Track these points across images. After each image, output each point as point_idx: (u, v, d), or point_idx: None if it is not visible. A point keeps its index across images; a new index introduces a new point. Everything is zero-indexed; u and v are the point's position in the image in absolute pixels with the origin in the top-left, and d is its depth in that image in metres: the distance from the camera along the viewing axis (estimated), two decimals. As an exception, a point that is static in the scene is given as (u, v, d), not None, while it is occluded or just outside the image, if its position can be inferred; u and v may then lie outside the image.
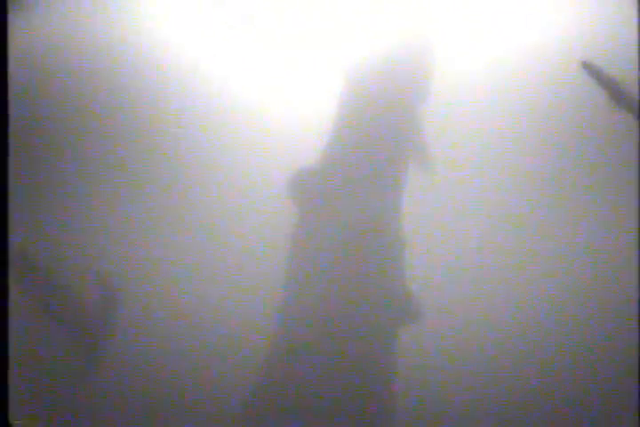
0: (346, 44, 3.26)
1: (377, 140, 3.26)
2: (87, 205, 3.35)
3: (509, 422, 3.22)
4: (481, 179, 3.27)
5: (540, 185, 3.27)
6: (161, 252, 3.32)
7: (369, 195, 3.24)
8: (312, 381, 3.22)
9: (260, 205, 3.28)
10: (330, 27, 3.26)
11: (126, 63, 3.33)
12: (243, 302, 3.28)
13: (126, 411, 3.30)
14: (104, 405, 3.31)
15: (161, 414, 3.27)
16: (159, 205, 3.33)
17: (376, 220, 3.23)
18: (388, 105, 3.26)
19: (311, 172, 3.25)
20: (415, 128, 3.24)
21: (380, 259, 3.23)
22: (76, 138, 3.35)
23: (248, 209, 3.29)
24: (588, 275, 3.25)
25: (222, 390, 3.27)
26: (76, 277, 3.32)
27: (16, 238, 3.31)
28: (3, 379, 3.23)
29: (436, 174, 3.24)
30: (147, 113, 3.34)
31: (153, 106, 3.34)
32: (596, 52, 3.26)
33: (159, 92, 3.34)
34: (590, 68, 3.15)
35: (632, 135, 3.27)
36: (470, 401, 3.22)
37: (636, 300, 3.24)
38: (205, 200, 3.31)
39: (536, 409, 3.20)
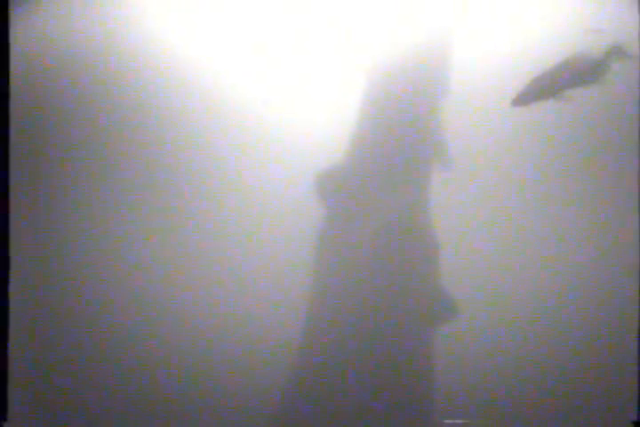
0: (365, 44, 3.27)
1: (401, 139, 3.26)
2: (98, 207, 3.35)
3: (548, 419, 3.24)
4: (496, 176, 3.27)
5: (557, 182, 3.28)
6: (178, 255, 3.32)
7: (399, 193, 3.24)
8: (344, 385, 3.22)
9: (287, 205, 3.27)
10: (349, 27, 3.27)
11: (131, 63, 3.33)
12: (269, 306, 3.27)
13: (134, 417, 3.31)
14: (105, 407, 3.32)
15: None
16: (176, 207, 3.33)
17: (408, 218, 3.23)
18: (409, 103, 3.26)
19: (338, 171, 3.24)
20: (436, 126, 3.24)
21: (413, 258, 3.23)
22: (77, 137, 3.35)
23: (273, 210, 3.28)
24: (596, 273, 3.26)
25: (247, 395, 3.27)
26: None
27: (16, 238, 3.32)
28: (2, 379, 3.25)
29: (455, 172, 3.24)
30: (158, 112, 3.34)
31: (162, 106, 3.33)
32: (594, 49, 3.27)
33: (168, 92, 3.33)
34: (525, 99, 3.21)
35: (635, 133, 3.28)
36: (508, 398, 3.23)
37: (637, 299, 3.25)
38: (227, 202, 3.30)
39: (575, 408, 3.23)
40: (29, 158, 3.33)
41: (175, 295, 3.30)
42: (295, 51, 3.29)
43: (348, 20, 3.28)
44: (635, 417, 3.21)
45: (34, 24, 3.32)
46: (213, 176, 3.31)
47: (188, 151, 3.32)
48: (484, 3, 3.28)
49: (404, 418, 3.24)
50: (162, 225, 3.32)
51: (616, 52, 3.26)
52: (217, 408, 3.29)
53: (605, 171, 3.28)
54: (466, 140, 3.25)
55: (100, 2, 3.32)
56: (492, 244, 3.26)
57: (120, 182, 3.33)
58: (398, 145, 3.27)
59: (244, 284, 3.29)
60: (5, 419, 3.23)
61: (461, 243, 3.25)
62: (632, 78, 3.27)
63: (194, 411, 3.30)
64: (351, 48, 3.28)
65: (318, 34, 3.28)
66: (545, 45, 3.26)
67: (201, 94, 3.31)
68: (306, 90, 3.29)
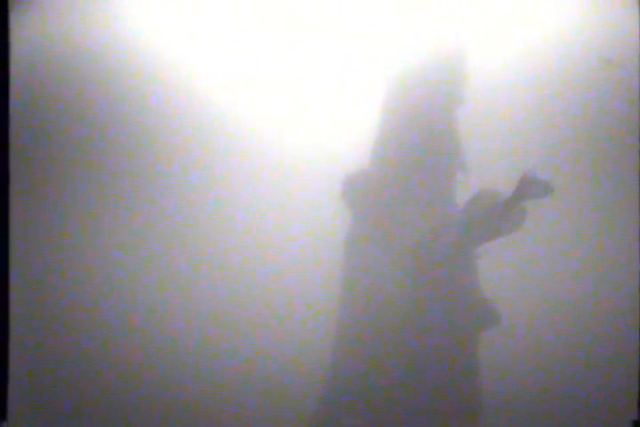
0: (385, 53, 3.30)
1: (422, 145, 3.28)
2: (102, 209, 3.36)
3: (548, 419, 3.24)
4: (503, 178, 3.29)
5: (566, 184, 3.29)
6: (199, 260, 3.32)
7: (428, 198, 3.25)
8: (384, 392, 3.21)
9: (311, 211, 3.27)
10: (366, 38, 3.31)
11: (133, 64, 3.33)
12: (295, 315, 3.26)
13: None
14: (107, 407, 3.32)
15: None
16: (196, 213, 3.33)
17: (441, 222, 3.24)
18: (428, 110, 3.28)
19: (362, 177, 3.26)
20: (453, 131, 3.26)
21: (448, 265, 3.23)
22: (79, 138, 3.35)
23: (299, 214, 3.28)
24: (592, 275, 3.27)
25: (269, 402, 3.26)
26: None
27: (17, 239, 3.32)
28: (2, 379, 3.25)
29: (473, 176, 3.26)
30: (169, 113, 3.35)
31: (164, 107, 3.34)
32: (597, 51, 3.28)
33: (169, 92, 3.34)
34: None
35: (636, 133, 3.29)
36: (509, 399, 3.23)
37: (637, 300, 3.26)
38: (251, 208, 3.30)
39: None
40: (29, 159, 3.33)
41: (193, 300, 3.30)
42: (315, 60, 3.32)
43: (365, 31, 3.31)
44: (635, 417, 3.21)
45: (34, 24, 3.33)
46: (236, 182, 3.31)
47: (207, 158, 3.32)
48: (495, 10, 3.30)
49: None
50: (183, 228, 3.32)
51: (520, 192, 3.18)
52: (230, 414, 3.28)
53: (609, 171, 3.30)
54: (481, 144, 3.26)
55: (102, 2, 3.33)
56: (510, 246, 3.27)
57: (129, 184, 3.33)
58: (419, 150, 3.29)
59: (268, 291, 3.28)
60: (5, 419, 3.23)
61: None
62: (632, 81, 3.28)
63: (204, 414, 3.30)
64: (372, 55, 3.31)
65: (338, 44, 3.32)
66: (556, 49, 3.28)
67: (221, 97, 3.32)
68: (329, 97, 3.31)
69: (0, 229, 3.27)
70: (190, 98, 3.31)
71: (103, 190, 3.33)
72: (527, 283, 3.26)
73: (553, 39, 3.27)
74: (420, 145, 3.28)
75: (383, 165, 3.28)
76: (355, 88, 3.31)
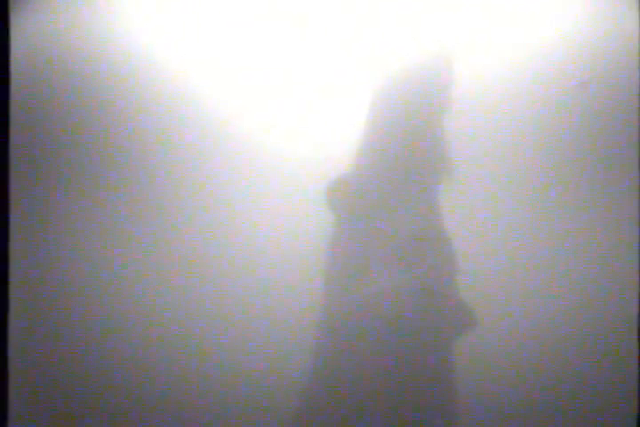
0: (371, 56, 3.30)
1: (407, 149, 3.28)
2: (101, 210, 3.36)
3: (550, 419, 3.25)
4: (499, 181, 3.29)
5: (554, 188, 3.29)
6: (186, 266, 3.32)
7: (412, 203, 3.25)
8: (364, 395, 3.21)
9: (296, 216, 3.27)
10: (357, 40, 3.30)
11: (133, 64, 3.34)
12: (282, 316, 3.27)
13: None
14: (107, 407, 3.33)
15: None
16: (182, 218, 3.33)
17: (425, 228, 3.23)
18: (414, 114, 3.28)
19: (347, 181, 3.25)
20: (439, 136, 3.26)
21: (430, 268, 3.22)
22: (79, 138, 3.36)
23: (283, 221, 3.28)
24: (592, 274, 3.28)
25: (265, 405, 3.27)
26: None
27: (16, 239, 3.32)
28: (2, 379, 3.25)
29: (458, 179, 3.26)
30: (163, 116, 3.35)
31: (163, 107, 3.35)
32: (598, 54, 3.28)
33: (168, 92, 3.34)
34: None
35: (635, 137, 3.29)
36: (509, 398, 3.24)
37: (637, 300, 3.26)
38: (236, 214, 3.30)
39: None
40: (29, 159, 3.34)
41: (181, 302, 3.31)
42: (302, 63, 3.32)
43: (353, 33, 3.31)
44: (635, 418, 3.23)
45: (34, 24, 3.33)
46: (220, 188, 3.32)
47: (194, 160, 3.32)
48: (488, 14, 3.30)
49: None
50: (167, 234, 3.32)
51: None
52: (222, 414, 3.29)
53: (606, 173, 3.30)
54: (468, 147, 3.27)
55: (102, 2, 3.33)
56: (495, 248, 3.27)
57: (126, 185, 3.34)
58: (404, 154, 3.29)
59: (252, 297, 3.29)
60: (6, 419, 3.24)
61: (468, 249, 3.26)
62: (632, 81, 3.29)
63: (198, 414, 3.31)
64: (357, 60, 3.31)
65: (326, 45, 3.32)
66: (547, 55, 3.28)
67: (209, 101, 3.32)
68: (313, 102, 3.32)
69: (0, 229, 3.28)
70: (183, 99, 3.32)
71: (102, 190, 3.34)
72: (525, 283, 3.27)
73: (547, 42, 3.28)
74: (405, 150, 3.27)
75: (367, 170, 3.28)
76: (339, 93, 3.31)
